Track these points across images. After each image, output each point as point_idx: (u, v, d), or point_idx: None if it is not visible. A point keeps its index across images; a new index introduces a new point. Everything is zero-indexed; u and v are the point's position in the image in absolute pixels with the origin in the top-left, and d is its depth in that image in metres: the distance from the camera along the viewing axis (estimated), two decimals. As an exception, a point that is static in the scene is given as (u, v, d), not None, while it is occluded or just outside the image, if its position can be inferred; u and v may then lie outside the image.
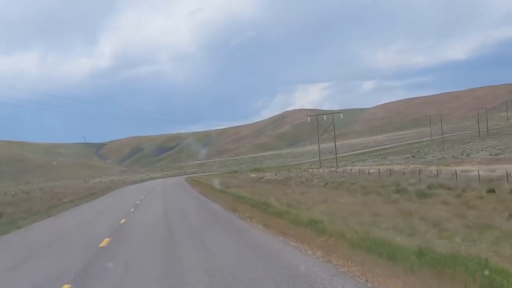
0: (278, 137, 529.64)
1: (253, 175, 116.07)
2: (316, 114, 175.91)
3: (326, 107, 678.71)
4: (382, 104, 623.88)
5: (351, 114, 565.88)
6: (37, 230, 32.49)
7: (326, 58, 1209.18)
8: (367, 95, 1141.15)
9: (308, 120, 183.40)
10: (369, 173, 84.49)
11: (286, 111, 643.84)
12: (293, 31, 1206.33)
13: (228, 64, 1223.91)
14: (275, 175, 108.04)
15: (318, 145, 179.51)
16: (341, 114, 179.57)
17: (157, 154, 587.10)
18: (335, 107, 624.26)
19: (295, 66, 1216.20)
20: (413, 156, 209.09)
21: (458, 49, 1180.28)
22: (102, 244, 21.12)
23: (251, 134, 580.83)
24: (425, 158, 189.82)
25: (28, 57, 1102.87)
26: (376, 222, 23.53)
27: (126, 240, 22.80)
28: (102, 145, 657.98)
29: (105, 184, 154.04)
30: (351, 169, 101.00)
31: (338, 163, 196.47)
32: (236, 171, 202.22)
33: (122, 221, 32.62)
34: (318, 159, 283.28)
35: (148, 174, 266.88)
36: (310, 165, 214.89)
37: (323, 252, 15.62)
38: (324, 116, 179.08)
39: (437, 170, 71.31)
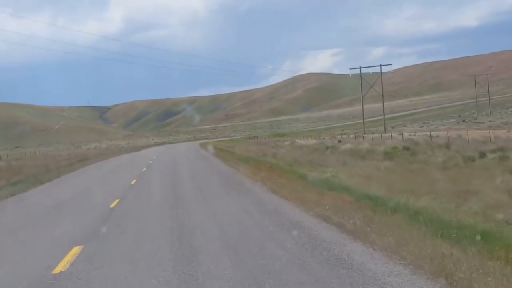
0: (291, 102, 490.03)
1: (300, 142, 77.94)
2: (359, 67, 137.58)
3: (336, 73, 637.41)
4: (399, 69, 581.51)
5: (366, 79, 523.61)
6: None
7: (336, 24, 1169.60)
8: (378, 61, 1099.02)
9: (350, 75, 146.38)
10: None
11: (299, 75, 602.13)
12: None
13: (237, 29, 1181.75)
14: (338, 142, 70.07)
15: (362, 105, 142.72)
16: (391, 67, 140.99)
17: (164, 118, 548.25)
18: (345, 73, 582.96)
19: (304, 31, 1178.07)
20: (463, 121, 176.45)
21: (470, 16, 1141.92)
22: None
23: (262, 99, 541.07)
24: (482, 122, 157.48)
25: (38, 20, 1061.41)
26: None
27: None
28: (107, 108, 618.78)
29: (96, 151, 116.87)
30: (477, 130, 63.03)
31: (370, 128, 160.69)
32: (256, 137, 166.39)
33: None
34: (348, 123, 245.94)
35: (153, 139, 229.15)
36: (342, 130, 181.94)
37: None
38: (370, 70, 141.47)
39: None
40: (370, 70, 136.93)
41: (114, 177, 37.97)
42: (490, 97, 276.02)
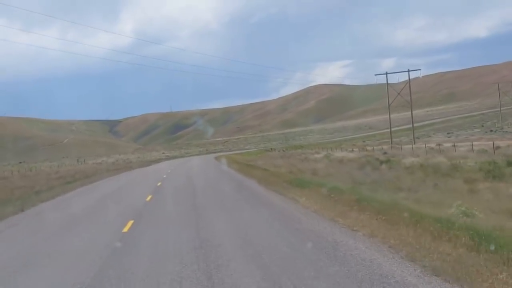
0: (303, 113, 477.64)
1: (337, 154, 65.38)
2: (385, 73, 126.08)
3: (347, 84, 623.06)
4: (412, 79, 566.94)
5: (378, 90, 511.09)
6: None
7: (345, 36, 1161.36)
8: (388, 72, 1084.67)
9: (376, 81, 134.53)
10: None
11: (310, 87, 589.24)
12: (314, 8, 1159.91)
13: (248, 41, 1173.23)
14: (384, 153, 57.93)
15: (389, 114, 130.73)
16: (420, 72, 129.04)
17: (175, 132, 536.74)
18: (357, 84, 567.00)
19: (315, 43, 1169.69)
20: (491, 130, 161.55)
21: (480, 26, 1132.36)
22: None
23: (273, 111, 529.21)
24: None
25: (48, 34, 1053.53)
26: None
27: None
28: (117, 122, 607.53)
29: (101, 166, 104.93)
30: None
31: (394, 139, 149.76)
32: (274, 149, 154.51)
33: None
34: (366, 134, 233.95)
35: (164, 153, 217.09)
36: (363, 141, 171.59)
37: None
38: (398, 76, 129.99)
39: None
40: (397, 76, 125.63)
41: (99, 214, 24.23)
42: (508, 107, 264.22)
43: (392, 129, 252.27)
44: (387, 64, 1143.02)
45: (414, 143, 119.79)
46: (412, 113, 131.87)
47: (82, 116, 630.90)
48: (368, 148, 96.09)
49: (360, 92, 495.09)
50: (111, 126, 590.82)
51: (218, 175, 48.73)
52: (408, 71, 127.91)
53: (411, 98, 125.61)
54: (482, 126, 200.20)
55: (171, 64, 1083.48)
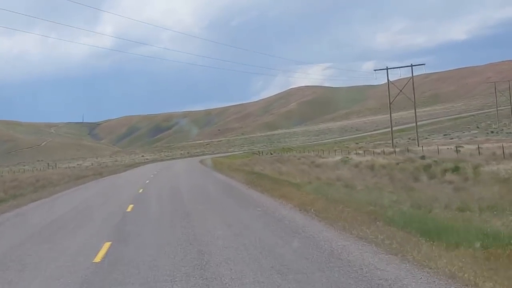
0: (285, 115, 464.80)
1: (359, 159, 52.21)
2: (386, 68, 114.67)
3: (328, 86, 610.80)
4: (394, 80, 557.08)
5: (361, 91, 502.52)
6: None
7: (326, 39, 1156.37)
8: (368, 75, 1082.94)
9: (375, 77, 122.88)
10: None
11: (292, 88, 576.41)
12: (295, 12, 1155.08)
13: (229, 44, 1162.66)
14: (421, 157, 44.90)
15: (390, 113, 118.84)
16: (424, 66, 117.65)
17: (155, 134, 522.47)
18: (338, 86, 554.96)
19: (295, 46, 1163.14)
20: (491, 132, 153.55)
21: (459, 30, 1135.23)
22: None
23: (254, 113, 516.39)
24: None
25: (25, 37, 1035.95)
26: None
27: None
28: (96, 124, 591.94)
29: (71, 171, 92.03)
30: None
31: (381, 142, 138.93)
32: (261, 152, 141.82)
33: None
34: (354, 136, 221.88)
35: (143, 156, 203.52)
36: (356, 143, 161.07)
37: None
38: (399, 71, 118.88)
39: None
40: (399, 71, 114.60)
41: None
42: (499, 108, 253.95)
43: (381, 131, 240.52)
44: (368, 66, 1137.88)
45: (418, 145, 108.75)
46: (415, 112, 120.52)
47: (61, 119, 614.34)
48: (374, 150, 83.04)
49: (343, 94, 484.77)
50: (90, 128, 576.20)
51: (222, 192, 31.63)
52: (412, 65, 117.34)
53: (414, 96, 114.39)
54: (478, 127, 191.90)
55: (152, 66, 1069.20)
